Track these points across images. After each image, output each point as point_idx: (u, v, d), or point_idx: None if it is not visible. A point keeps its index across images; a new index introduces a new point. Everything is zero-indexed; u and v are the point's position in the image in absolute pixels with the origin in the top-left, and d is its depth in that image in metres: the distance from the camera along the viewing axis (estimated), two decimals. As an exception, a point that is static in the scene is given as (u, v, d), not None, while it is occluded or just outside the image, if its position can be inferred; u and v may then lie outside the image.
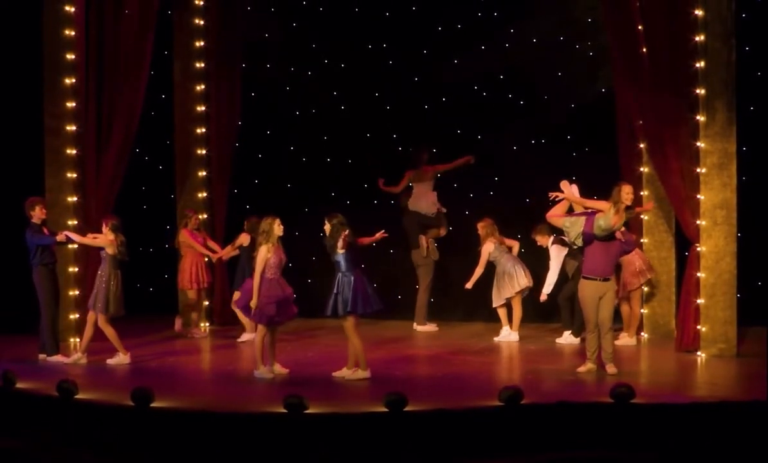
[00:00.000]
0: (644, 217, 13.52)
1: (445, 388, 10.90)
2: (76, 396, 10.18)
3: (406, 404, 9.50)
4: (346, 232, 11.00)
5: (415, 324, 14.77)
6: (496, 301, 13.95)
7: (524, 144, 15.10)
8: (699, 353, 12.19)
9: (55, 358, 12.41)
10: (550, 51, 14.78)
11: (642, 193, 13.46)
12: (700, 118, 12.18)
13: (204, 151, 15.42)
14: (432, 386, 11.09)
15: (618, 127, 13.54)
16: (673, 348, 12.64)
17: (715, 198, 12.14)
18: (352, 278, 10.99)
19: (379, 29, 15.68)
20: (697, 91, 12.18)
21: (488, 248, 13.87)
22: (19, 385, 10.67)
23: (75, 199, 13.48)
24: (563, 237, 12.82)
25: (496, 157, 14.99)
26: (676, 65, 12.20)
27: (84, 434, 9.93)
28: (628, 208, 11.31)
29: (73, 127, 13.45)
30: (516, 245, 14.07)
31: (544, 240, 13.69)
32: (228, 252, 14.38)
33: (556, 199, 11.59)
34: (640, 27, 12.46)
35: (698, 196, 12.19)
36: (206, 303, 15.04)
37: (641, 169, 13.54)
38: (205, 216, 15.21)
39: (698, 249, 12.24)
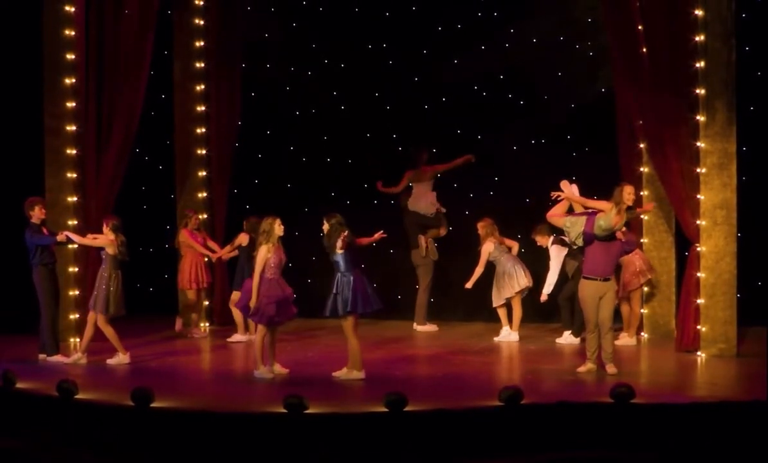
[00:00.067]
0: (644, 217, 13.51)
1: (445, 388, 10.89)
2: (76, 396, 10.17)
3: (406, 404, 9.49)
4: (345, 232, 10.99)
5: (415, 324, 14.77)
6: (496, 301, 13.94)
7: (524, 144, 15.10)
8: (699, 353, 12.18)
9: (55, 358, 12.41)
10: (550, 51, 14.78)
11: (642, 193, 13.45)
12: (700, 118, 12.18)
13: (204, 151, 15.42)
14: (432, 386, 11.09)
15: (618, 127, 13.53)
16: (673, 348, 12.64)
17: (715, 198, 12.14)
18: (352, 278, 10.97)
19: (379, 29, 15.68)
20: (697, 91, 12.19)
21: (488, 248, 13.87)
22: (19, 385, 10.65)
23: (75, 199, 13.47)
24: (563, 237, 12.82)
25: (496, 157, 14.99)
26: (676, 65, 12.21)
27: (84, 434, 9.92)
28: (629, 208, 11.33)
29: (73, 127, 13.45)
30: (516, 246, 14.06)
31: (544, 240, 13.69)
32: (227, 252, 14.38)
33: (558, 198, 11.60)
34: (640, 27, 12.46)
35: (698, 196, 12.19)
36: (206, 303, 15.04)
37: (641, 169, 13.53)
38: (205, 216, 15.21)
39: (698, 249, 12.23)
